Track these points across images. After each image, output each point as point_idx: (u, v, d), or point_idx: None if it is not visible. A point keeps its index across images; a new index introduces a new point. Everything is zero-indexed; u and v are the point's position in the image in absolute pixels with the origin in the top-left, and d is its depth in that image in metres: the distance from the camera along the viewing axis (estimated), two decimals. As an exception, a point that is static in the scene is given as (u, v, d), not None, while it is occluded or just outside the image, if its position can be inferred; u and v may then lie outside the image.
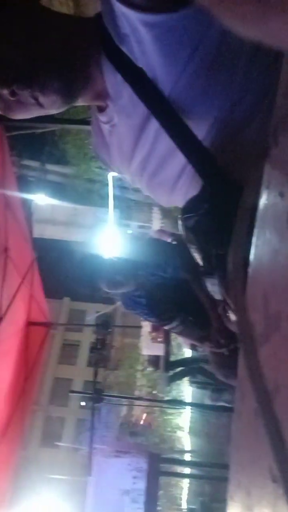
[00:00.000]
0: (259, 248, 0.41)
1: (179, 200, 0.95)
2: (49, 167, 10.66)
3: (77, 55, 0.76)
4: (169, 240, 3.05)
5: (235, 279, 0.32)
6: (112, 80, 0.76)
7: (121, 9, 0.61)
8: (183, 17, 0.59)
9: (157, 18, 0.60)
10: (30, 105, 0.75)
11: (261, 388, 0.28)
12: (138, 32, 0.64)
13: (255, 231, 0.41)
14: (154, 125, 0.77)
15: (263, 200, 0.40)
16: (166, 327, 2.49)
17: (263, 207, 0.40)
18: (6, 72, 0.72)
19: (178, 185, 0.89)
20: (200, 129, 0.73)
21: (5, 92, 0.72)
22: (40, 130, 4.01)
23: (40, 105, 0.75)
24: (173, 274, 2.15)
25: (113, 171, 1.04)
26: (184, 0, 0.57)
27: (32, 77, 0.72)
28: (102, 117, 0.85)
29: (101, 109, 0.84)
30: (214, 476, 3.84)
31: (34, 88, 0.73)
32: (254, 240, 0.42)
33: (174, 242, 2.91)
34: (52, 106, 0.76)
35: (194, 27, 0.61)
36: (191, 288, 2.14)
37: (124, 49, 0.69)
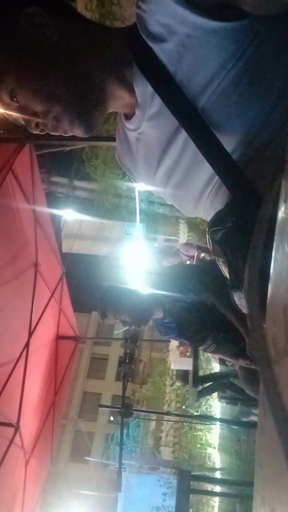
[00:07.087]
0: (278, 262, 0.41)
1: (204, 211, 0.95)
2: (77, 183, 10.87)
3: (98, 81, 0.78)
4: (195, 252, 3.04)
5: (249, 293, 0.32)
6: (143, 89, 0.77)
7: (177, 11, 0.64)
8: (238, 28, 0.63)
9: (219, 25, 0.63)
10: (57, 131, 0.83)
11: (279, 406, 0.28)
12: (187, 37, 0.66)
13: (274, 245, 0.42)
14: (182, 135, 0.78)
15: (281, 214, 0.41)
16: (200, 348, 2.49)
17: (281, 220, 0.41)
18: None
19: (204, 196, 0.90)
20: (230, 143, 0.74)
21: (32, 124, 0.81)
22: (68, 148, 4.09)
23: (65, 133, 0.82)
24: (196, 297, 2.16)
25: (135, 178, 1.04)
26: (242, 12, 0.61)
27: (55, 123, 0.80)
28: (129, 125, 0.86)
29: (128, 117, 0.85)
30: (245, 495, 3.73)
31: (59, 129, 0.81)
32: (273, 254, 0.42)
33: (200, 255, 2.89)
34: (78, 135, 0.83)
35: (241, 39, 0.65)
36: (217, 307, 2.14)
37: (162, 55, 0.70)
